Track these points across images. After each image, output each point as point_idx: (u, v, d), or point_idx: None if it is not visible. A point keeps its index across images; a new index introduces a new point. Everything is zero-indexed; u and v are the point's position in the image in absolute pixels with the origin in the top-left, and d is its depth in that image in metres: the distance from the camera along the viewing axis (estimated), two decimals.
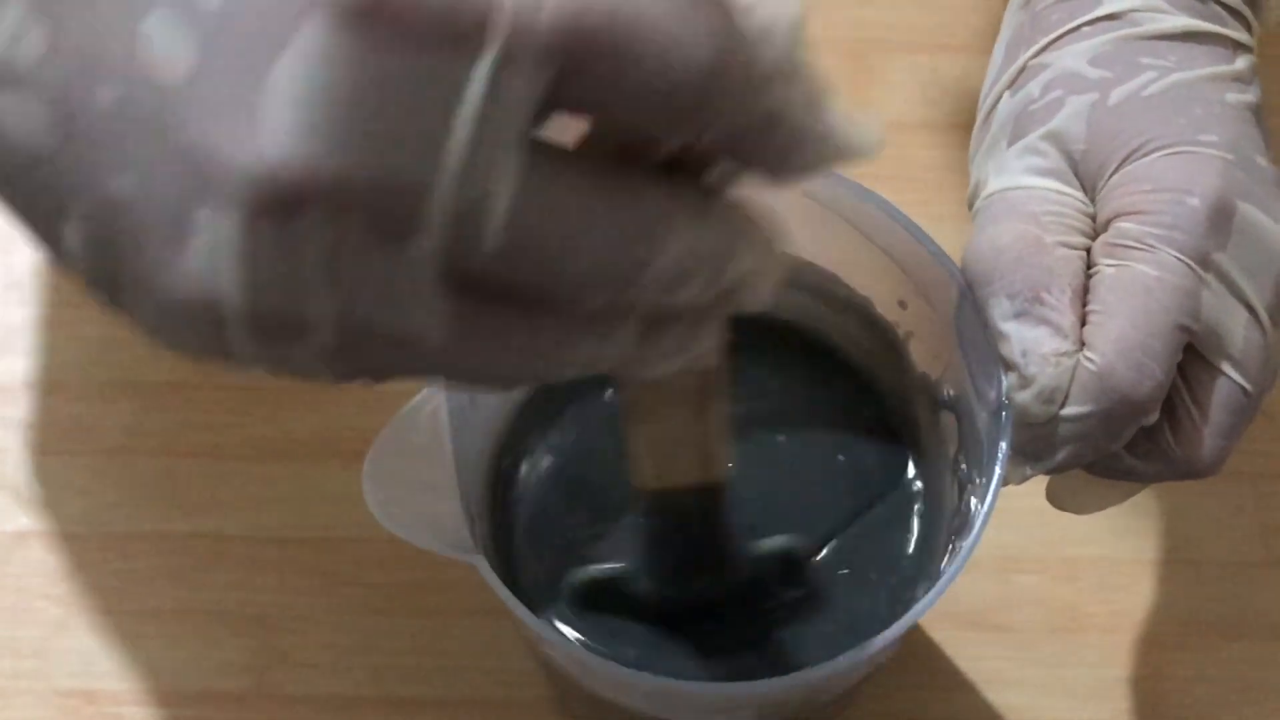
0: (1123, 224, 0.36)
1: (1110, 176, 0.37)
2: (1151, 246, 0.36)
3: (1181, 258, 0.35)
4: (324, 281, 0.23)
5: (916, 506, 0.42)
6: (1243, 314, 0.36)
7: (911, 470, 0.42)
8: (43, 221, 0.24)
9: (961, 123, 0.56)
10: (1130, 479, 0.39)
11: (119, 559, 0.49)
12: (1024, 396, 0.36)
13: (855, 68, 0.57)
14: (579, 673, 0.38)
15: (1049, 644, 0.48)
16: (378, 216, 0.22)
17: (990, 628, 0.48)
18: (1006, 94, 0.40)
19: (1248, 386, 0.37)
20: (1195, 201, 0.36)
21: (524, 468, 0.43)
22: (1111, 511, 0.49)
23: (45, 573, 0.49)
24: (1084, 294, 0.36)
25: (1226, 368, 0.36)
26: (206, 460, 0.51)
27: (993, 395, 0.36)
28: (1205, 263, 0.36)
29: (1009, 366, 0.36)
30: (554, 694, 0.47)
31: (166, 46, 0.22)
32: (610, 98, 0.23)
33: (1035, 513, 0.49)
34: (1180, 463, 0.37)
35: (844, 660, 0.35)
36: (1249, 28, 0.40)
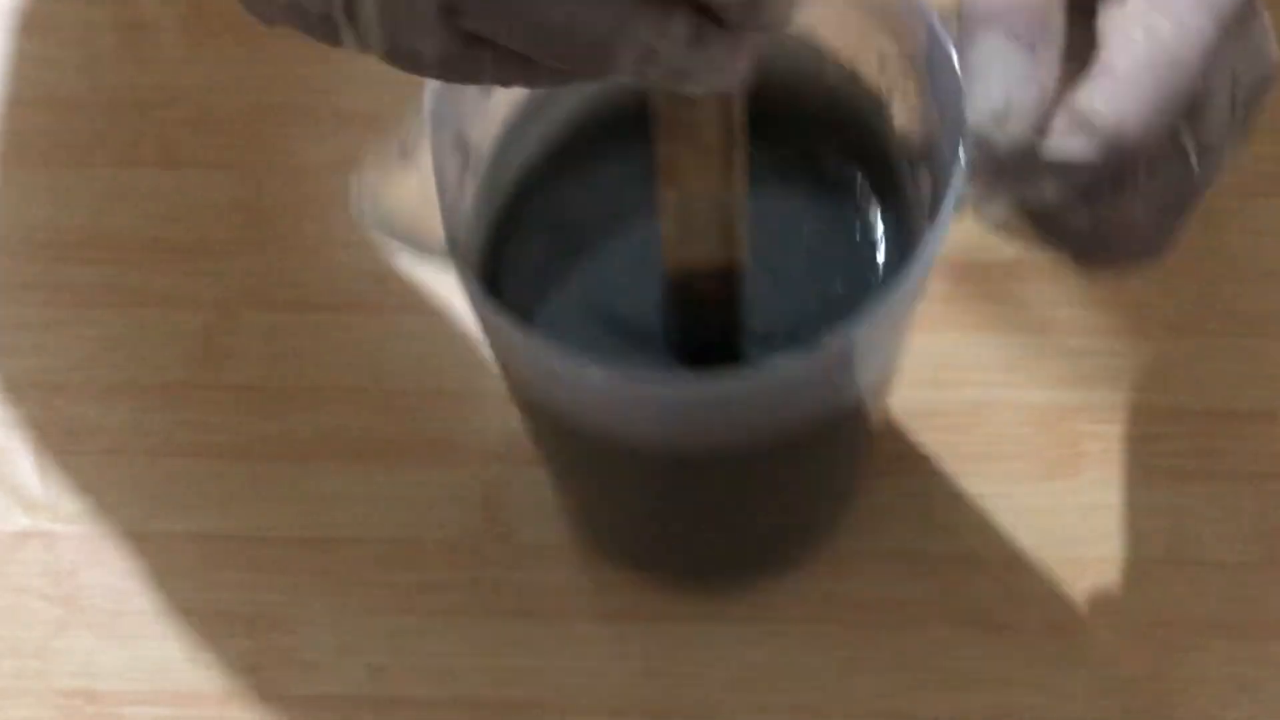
0: None
1: None
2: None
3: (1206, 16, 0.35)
4: None
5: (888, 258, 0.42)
6: (1227, 95, 0.36)
7: (888, 226, 0.42)
8: None
9: None
10: (1060, 244, 0.38)
11: (119, 559, 0.49)
12: (998, 134, 0.35)
13: None
14: (559, 390, 0.38)
15: (1049, 644, 0.48)
16: None
17: (990, 628, 0.48)
18: None
19: (1198, 170, 0.36)
20: None
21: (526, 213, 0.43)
22: (1111, 512, 0.49)
23: (45, 573, 0.49)
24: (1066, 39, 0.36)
25: (1188, 145, 0.36)
26: (206, 460, 0.51)
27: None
28: (1224, 28, 0.35)
29: (985, 105, 0.35)
30: (539, 453, 0.46)
31: None
32: None
33: (1036, 512, 0.49)
34: (1119, 246, 0.37)
35: (845, 332, 0.34)
36: None
